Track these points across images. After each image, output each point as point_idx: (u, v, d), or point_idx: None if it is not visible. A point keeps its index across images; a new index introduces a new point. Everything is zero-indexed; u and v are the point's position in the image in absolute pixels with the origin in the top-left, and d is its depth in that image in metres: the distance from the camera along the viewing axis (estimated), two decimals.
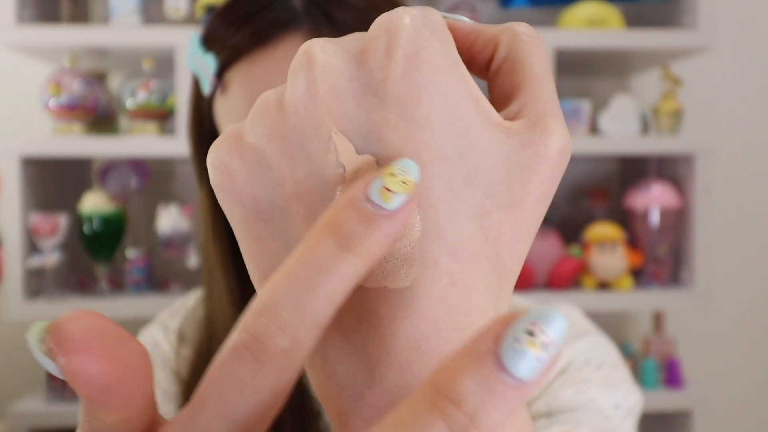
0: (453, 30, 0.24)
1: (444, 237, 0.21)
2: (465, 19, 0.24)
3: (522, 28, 0.24)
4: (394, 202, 0.19)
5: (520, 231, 0.22)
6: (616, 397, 0.55)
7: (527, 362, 0.15)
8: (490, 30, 0.24)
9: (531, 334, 0.16)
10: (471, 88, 0.22)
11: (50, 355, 0.17)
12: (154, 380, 0.18)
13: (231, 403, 0.18)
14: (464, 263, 0.21)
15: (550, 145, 0.22)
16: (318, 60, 0.22)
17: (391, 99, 0.21)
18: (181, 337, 0.65)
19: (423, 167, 0.21)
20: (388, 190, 0.19)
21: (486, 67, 0.24)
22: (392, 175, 0.19)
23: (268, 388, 0.18)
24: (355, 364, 0.21)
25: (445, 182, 0.21)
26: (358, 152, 0.21)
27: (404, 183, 0.19)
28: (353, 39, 0.23)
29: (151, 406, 0.18)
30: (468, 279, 0.21)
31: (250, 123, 0.23)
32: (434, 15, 0.22)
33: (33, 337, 0.17)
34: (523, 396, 0.16)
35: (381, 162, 0.21)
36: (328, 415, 0.22)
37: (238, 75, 0.52)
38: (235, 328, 0.18)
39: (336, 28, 0.51)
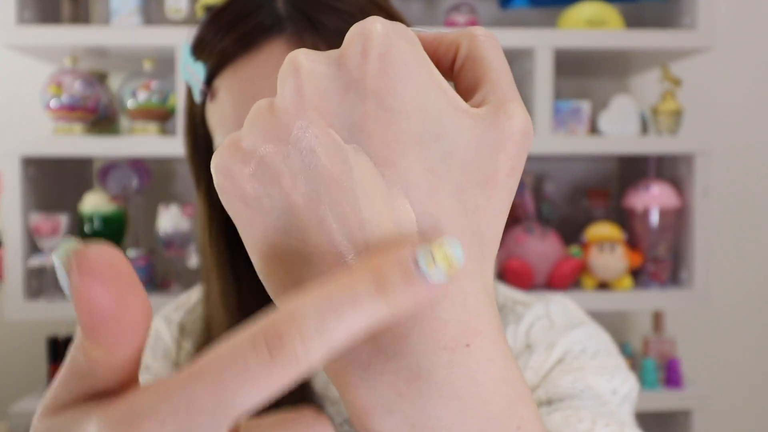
0: (419, 38, 0.27)
1: (428, 212, 0.23)
2: (427, 30, 0.28)
3: (478, 31, 0.27)
4: (435, 273, 0.21)
5: (495, 204, 0.24)
6: (613, 383, 0.57)
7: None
8: (450, 35, 0.27)
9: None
10: (439, 80, 0.25)
11: (68, 270, 0.18)
12: (144, 350, 0.20)
13: (227, 384, 0.18)
14: (449, 234, 0.23)
15: (514, 126, 0.24)
16: (303, 66, 0.24)
17: (370, 93, 0.24)
18: (182, 330, 0.66)
19: (402, 152, 0.23)
20: (433, 259, 0.21)
21: (450, 69, 0.27)
22: (440, 246, 0.21)
23: (266, 383, 0.18)
24: None
25: (424, 164, 0.23)
26: (345, 142, 0.23)
27: (448, 259, 0.21)
28: (331, 51, 0.25)
29: (133, 364, 0.20)
30: None
31: (247, 129, 0.25)
32: (401, 24, 0.25)
33: (61, 249, 0.19)
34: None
35: (374, 159, 0.23)
36: (337, 389, 0.24)
37: (224, 81, 0.53)
38: (257, 319, 0.19)
39: (319, 33, 0.51)
